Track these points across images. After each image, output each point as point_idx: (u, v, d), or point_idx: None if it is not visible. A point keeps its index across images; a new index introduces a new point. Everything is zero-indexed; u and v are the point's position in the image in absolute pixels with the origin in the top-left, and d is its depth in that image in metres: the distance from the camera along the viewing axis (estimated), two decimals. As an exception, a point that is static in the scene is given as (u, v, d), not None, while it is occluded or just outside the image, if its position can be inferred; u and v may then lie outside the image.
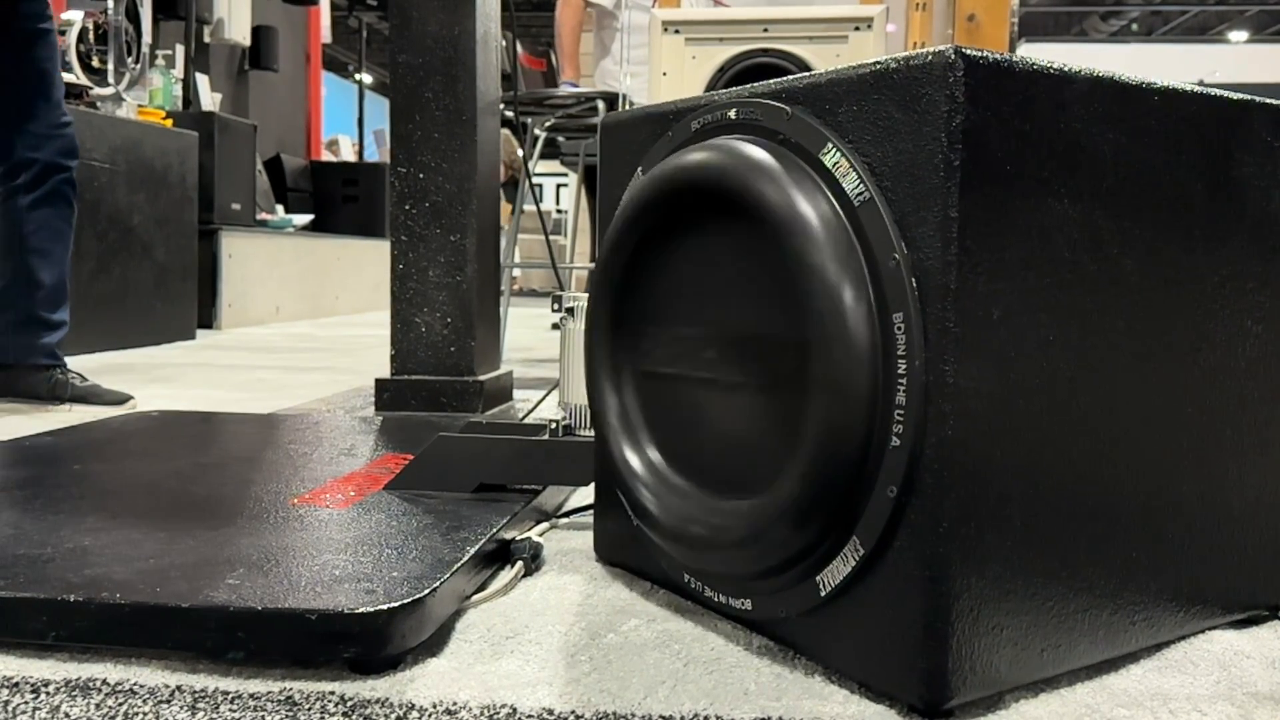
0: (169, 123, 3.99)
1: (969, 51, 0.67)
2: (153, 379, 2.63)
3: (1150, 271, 0.78)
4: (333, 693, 0.72)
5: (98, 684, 0.73)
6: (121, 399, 2.05)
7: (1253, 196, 0.84)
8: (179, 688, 0.72)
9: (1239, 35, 13.05)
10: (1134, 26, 13.99)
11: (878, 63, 0.72)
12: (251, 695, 0.71)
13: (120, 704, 0.70)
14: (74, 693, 0.71)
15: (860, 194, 0.72)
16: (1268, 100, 0.85)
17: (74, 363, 2.14)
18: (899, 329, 0.69)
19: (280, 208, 5.61)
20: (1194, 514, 0.82)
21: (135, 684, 0.73)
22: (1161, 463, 0.80)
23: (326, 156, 7.49)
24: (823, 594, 0.75)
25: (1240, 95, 0.83)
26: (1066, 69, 0.72)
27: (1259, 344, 0.86)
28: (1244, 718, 0.71)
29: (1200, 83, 0.85)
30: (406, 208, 1.92)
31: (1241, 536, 0.86)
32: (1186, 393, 0.81)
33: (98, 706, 0.69)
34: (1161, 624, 0.81)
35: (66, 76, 3.13)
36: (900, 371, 0.69)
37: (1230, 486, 0.85)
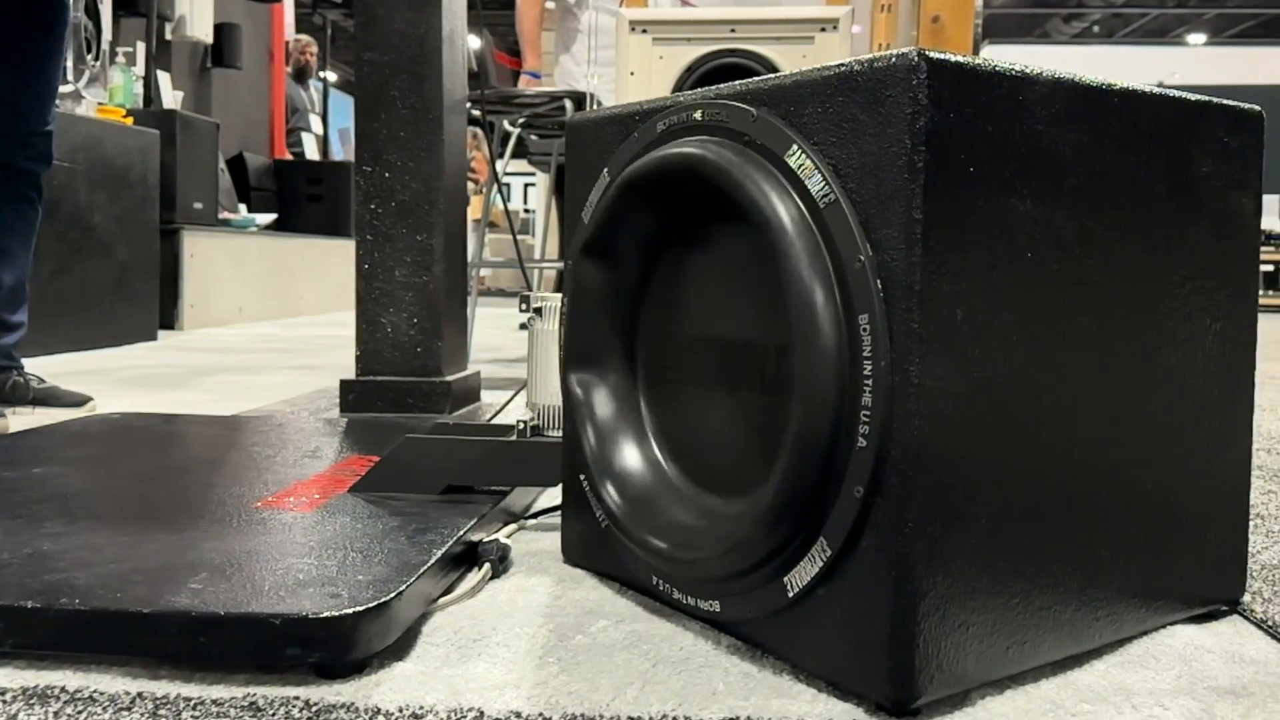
0: (130, 121, 3.93)
1: (932, 54, 0.67)
2: (114, 380, 2.59)
3: (1112, 270, 0.78)
4: (297, 697, 0.71)
5: (56, 692, 0.71)
6: (81, 401, 2.02)
7: (1211, 196, 0.86)
8: (140, 695, 0.71)
9: (1198, 38, 13.24)
10: (1095, 29, 14.16)
11: (842, 65, 0.72)
12: (214, 701, 0.71)
13: (79, 712, 0.69)
14: (31, 701, 0.70)
15: (825, 195, 0.73)
16: (1225, 101, 0.86)
17: (33, 365, 2.11)
18: (864, 330, 0.69)
19: (243, 207, 5.54)
20: (1156, 510, 0.83)
21: (95, 691, 0.72)
22: (1124, 460, 0.81)
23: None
24: (790, 595, 0.75)
25: (1199, 96, 0.85)
26: (1028, 71, 0.73)
27: (1218, 342, 0.87)
28: (1205, 711, 0.72)
29: (1160, 84, 0.86)
30: (372, 207, 1.91)
31: (1201, 532, 0.87)
32: (1148, 390, 0.82)
33: (56, 715, 0.68)
34: (1124, 620, 0.82)
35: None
36: (866, 373, 0.69)
37: (1191, 483, 0.86)
